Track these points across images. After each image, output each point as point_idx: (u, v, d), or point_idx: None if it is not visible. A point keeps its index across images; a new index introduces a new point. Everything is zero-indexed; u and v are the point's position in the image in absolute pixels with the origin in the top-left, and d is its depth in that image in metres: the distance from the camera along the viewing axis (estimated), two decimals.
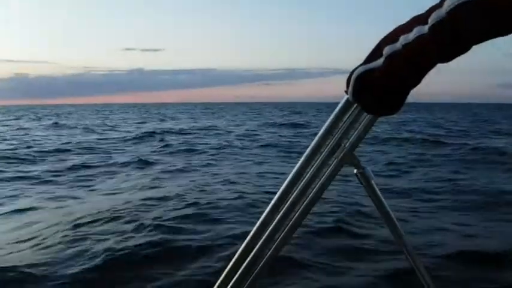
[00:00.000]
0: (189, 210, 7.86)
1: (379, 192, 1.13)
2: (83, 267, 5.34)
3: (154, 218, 7.24)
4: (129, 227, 6.88)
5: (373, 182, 1.12)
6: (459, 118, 47.77)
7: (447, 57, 0.87)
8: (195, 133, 27.17)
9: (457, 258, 5.50)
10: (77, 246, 6.09)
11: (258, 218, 1.11)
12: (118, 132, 29.52)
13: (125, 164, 14.17)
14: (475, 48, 0.84)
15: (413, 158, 15.08)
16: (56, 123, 39.66)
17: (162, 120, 46.06)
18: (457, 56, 0.86)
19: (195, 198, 8.69)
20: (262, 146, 19.44)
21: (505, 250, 5.70)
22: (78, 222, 7.18)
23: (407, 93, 0.99)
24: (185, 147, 18.63)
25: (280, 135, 25.19)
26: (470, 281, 4.89)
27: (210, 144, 20.15)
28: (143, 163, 14.20)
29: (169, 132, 27.64)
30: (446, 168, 12.92)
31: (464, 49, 0.84)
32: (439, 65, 0.90)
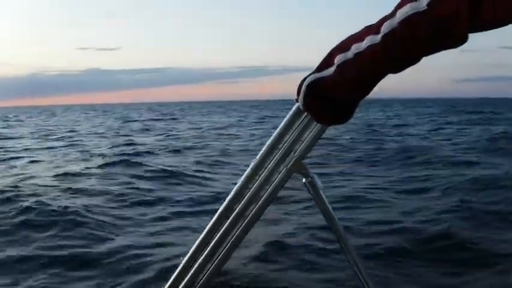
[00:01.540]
0: None
1: (327, 202, 1.12)
2: None
3: None
4: None
5: (321, 192, 1.11)
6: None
7: (398, 67, 0.86)
8: None
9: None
10: None
11: (205, 226, 1.07)
12: None
13: None
14: None
15: None
16: None
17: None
18: (407, 67, 0.86)
19: None
20: None
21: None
22: None
23: (358, 102, 0.98)
24: None
25: None
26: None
27: None
28: None
29: None
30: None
31: (414, 60, 0.84)
32: None
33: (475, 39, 0.81)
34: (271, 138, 1.04)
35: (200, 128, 28.46)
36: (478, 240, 5.97)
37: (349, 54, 0.89)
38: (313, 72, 0.96)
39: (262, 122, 36.14)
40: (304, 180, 1.09)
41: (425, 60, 0.86)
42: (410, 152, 14.33)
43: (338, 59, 0.91)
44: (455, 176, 9.90)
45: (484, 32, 0.78)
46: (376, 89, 0.94)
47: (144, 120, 40.52)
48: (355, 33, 0.91)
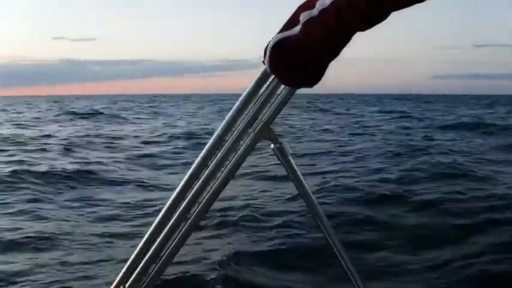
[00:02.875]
0: None
1: (296, 169, 1.10)
2: None
3: None
4: None
5: (290, 157, 1.09)
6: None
7: (365, 24, 0.84)
8: None
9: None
10: None
11: (172, 193, 1.05)
12: None
13: None
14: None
15: None
16: None
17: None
18: (375, 23, 0.84)
19: None
20: None
21: None
22: None
23: (326, 64, 0.95)
24: None
25: None
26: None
27: None
28: None
29: None
30: None
31: (382, 15, 0.82)
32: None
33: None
34: (238, 102, 1.02)
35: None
36: None
37: (314, 11, 0.87)
38: (279, 32, 0.94)
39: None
40: (272, 146, 1.07)
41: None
42: None
43: (303, 17, 0.88)
44: None
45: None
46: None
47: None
48: None
